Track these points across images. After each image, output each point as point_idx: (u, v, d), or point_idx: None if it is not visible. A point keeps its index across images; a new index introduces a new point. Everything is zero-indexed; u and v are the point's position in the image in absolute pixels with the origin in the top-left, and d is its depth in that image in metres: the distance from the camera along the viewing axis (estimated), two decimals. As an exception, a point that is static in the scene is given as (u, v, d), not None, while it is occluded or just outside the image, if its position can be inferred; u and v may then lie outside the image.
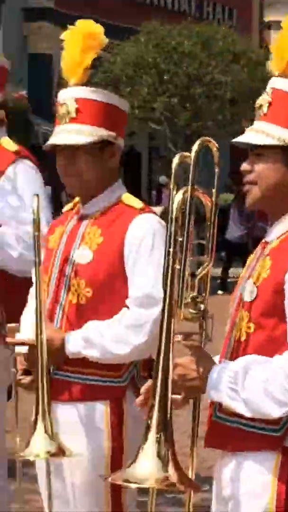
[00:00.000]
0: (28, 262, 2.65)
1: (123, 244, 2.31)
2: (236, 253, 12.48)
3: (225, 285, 12.31)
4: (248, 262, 1.84)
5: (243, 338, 1.72)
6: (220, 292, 11.74)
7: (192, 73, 12.38)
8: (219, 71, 12.65)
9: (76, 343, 2.25)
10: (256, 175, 1.70)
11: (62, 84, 2.48)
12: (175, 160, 1.61)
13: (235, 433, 1.78)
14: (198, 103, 12.08)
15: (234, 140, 1.78)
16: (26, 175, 3.03)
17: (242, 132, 1.81)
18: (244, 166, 1.72)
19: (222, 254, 11.76)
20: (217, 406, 1.78)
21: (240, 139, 1.75)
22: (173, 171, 1.62)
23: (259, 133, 1.71)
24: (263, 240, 1.77)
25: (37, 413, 2.17)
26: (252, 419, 1.72)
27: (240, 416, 1.71)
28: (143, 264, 2.30)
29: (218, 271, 10.87)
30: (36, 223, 2.35)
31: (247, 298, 1.70)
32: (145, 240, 2.29)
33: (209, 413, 1.82)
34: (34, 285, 2.37)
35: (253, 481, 1.75)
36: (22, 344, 2.32)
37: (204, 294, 1.69)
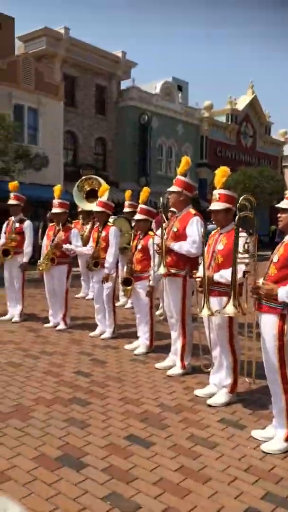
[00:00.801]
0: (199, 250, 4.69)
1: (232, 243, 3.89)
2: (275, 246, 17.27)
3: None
4: (276, 249, 3.44)
5: (271, 274, 3.39)
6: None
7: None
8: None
9: (217, 277, 4.15)
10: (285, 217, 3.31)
11: (212, 188, 4.33)
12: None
13: (264, 306, 3.39)
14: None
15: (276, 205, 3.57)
16: (198, 222, 4.91)
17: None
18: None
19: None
20: (261, 299, 3.37)
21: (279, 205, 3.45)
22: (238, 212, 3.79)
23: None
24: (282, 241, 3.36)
25: (204, 300, 4.07)
26: (270, 301, 3.29)
27: (269, 299, 3.30)
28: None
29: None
30: (204, 237, 4.48)
31: (275, 260, 3.34)
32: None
33: (257, 300, 3.43)
34: (203, 257, 4.18)
35: (270, 322, 3.37)
36: (198, 277, 4.28)
37: (253, 251, 3.61)
